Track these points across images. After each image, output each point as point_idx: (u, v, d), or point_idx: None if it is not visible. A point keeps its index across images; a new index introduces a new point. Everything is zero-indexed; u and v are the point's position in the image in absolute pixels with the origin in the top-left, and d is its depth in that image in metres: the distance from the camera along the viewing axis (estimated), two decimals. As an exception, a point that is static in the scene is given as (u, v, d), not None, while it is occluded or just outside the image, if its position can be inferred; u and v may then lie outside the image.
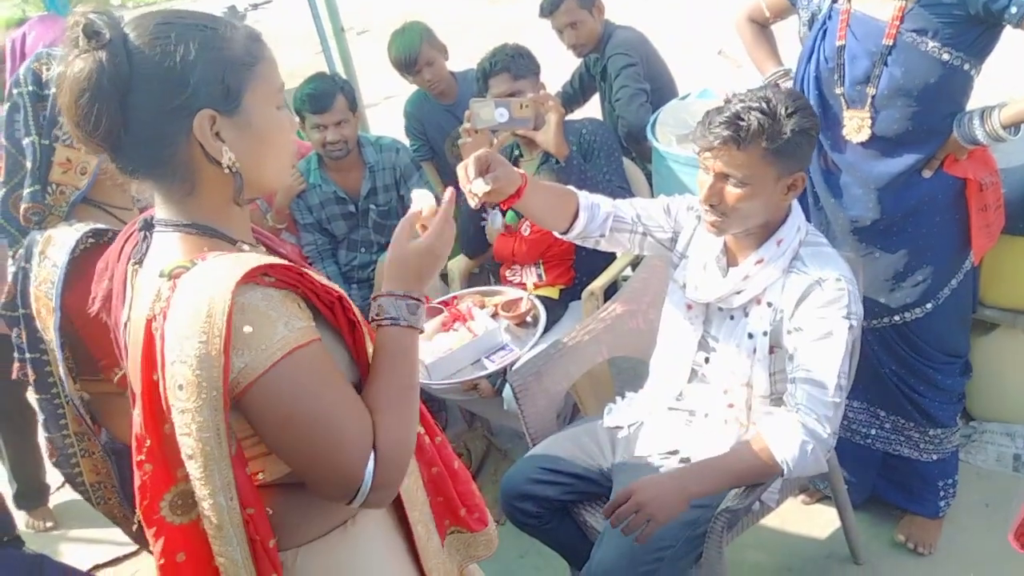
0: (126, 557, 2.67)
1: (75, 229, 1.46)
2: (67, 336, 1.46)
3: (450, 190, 1.16)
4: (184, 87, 0.91)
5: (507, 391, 2.17)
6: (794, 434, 1.47)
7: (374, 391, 1.01)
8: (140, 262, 1.02)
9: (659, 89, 2.94)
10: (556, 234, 1.74)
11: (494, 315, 2.23)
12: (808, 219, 1.96)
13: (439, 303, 2.22)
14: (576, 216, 1.68)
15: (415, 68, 2.98)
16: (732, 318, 1.62)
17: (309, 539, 1.05)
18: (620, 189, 2.35)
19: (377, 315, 1.04)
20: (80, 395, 1.53)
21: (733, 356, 1.62)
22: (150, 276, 0.97)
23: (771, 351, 1.58)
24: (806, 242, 1.57)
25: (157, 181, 0.97)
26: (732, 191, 1.48)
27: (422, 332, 1.08)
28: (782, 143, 1.44)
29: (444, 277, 2.84)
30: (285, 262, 0.96)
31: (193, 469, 0.94)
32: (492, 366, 1.79)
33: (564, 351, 1.98)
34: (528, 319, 1.97)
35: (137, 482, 0.98)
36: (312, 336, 0.94)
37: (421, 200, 1.15)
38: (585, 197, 1.71)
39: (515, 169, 1.53)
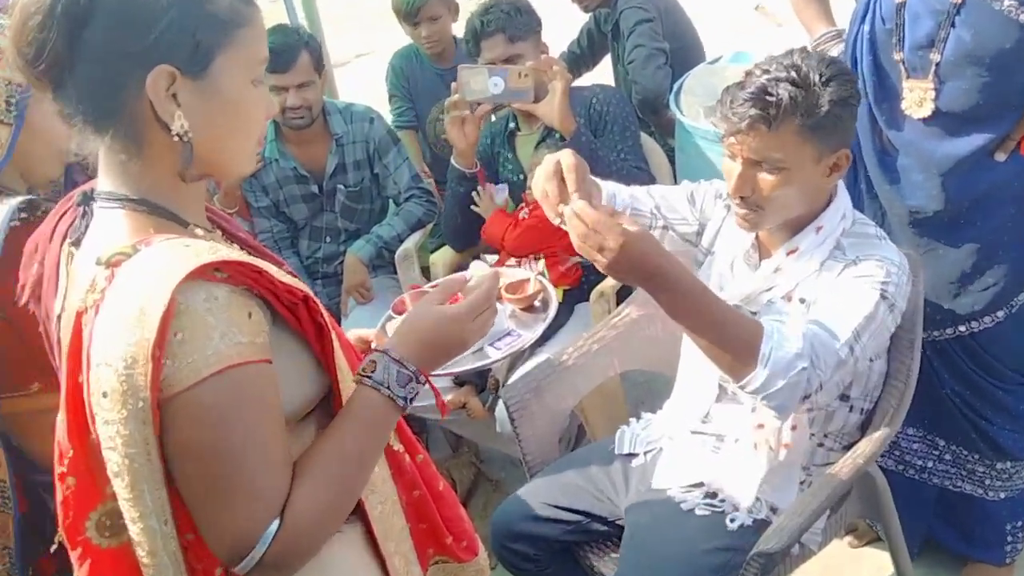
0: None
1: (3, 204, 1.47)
2: None
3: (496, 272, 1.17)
4: (147, 32, 0.92)
5: (500, 410, 2.19)
6: (796, 341, 1.43)
7: (314, 451, 1.02)
8: (77, 243, 1.03)
9: (682, 50, 2.96)
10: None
11: (497, 298, 2.25)
12: (862, 210, 1.99)
13: (431, 287, 2.24)
14: None
15: (415, 19, 3.01)
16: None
17: None
18: (637, 170, 2.37)
19: (363, 370, 1.06)
20: None
21: None
22: (87, 261, 0.98)
23: None
24: (850, 232, 1.59)
25: (99, 133, 0.98)
26: (766, 179, 1.50)
27: (403, 412, 1.08)
28: (819, 117, 1.46)
29: (426, 271, 2.86)
30: (243, 258, 0.97)
31: (120, 488, 0.95)
32: (497, 354, 1.79)
33: (569, 363, 2.00)
34: (536, 303, 1.99)
35: (59, 496, 1.00)
36: (252, 356, 0.94)
37: (477, 271, 1.16)
38: (605, 187, 1.73)
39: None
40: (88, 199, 1.04)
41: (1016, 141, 1.74)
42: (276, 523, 0.95)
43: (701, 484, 1.73)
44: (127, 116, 0.96)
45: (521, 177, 2.57)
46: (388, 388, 1.05)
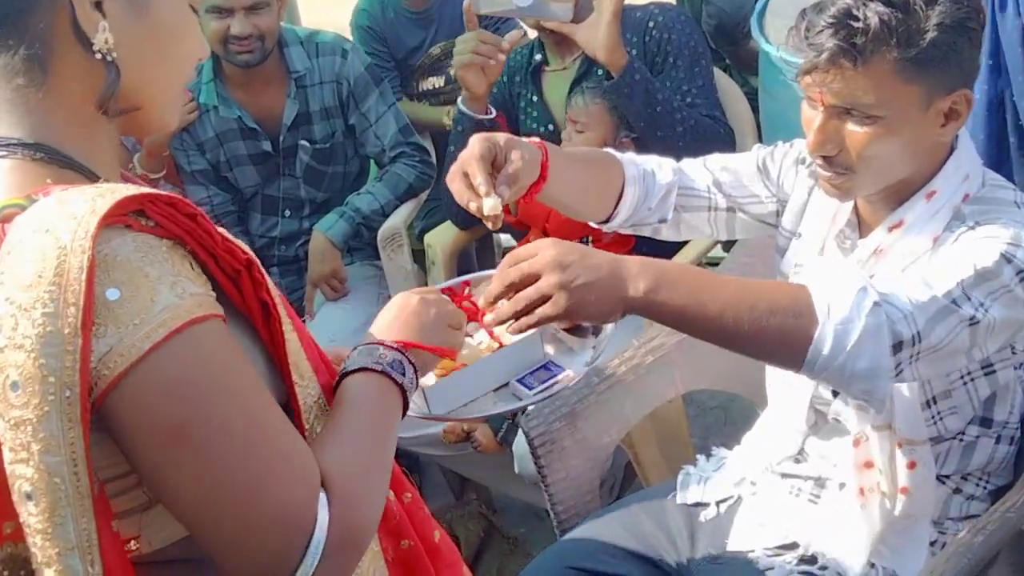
0: None
1: None
2: None
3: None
4: None
5: (520, 444, 2.19)
6: (852, 283, 1.42)
7: (323, 431, 1.12)
8: None
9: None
10: (594, 226, 1.77)
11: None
12: (1011, 174, 1.97)
13: (441, 291, 2.24)
14: (621, 194, 1.71)
15: None
16: None
17: None
18: (710, 120, 2.37)
19: (343, 370, 1.19)
20: None
21: None
22: None
23: None
24: (976, 198, 1.56)
25: None
26: (855, 132, 1.48)
27: (400, 389, 1.20)
28: (924, 47, 1.43)
29: (418, 256, 2.86)
30: (172, 195, 1.00)
31: (32, 517, 0.94)
32: (530, 396, 1.77)
33: (614, 380, 2.00)
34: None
35: None
36: (213, 310, 0.98)
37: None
38: (632, 164, 1.73)
39: (528, 142, 1.56)
40: None
41: None
42: (324, 497, 1.00)
43: (795, 545, 1.73)
44: (34, 24, 0.99)
45: (551, 127, 2.57)
46: (378, 363, 1.18)
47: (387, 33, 3.27)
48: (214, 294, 1.00)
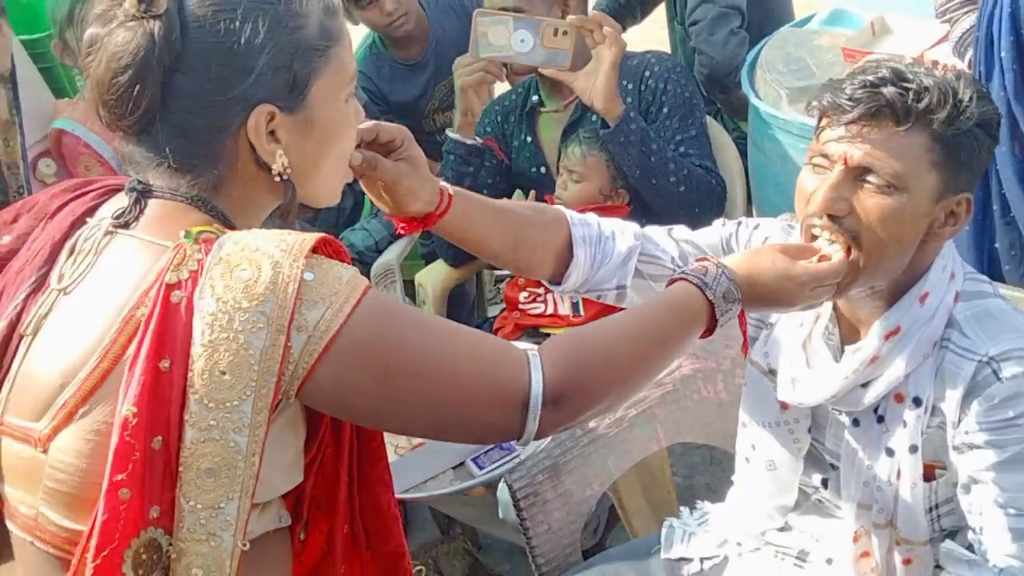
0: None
1: None
2: None
3: None
4: (245, 75, 1.10)
5: (503, 490, 2.18)
6: None
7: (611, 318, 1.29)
8: (126, 225, 1.17)
9: (762, 9, 2.95)
10: (547, 284, 1.69)
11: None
12: (989, 241, 1.98)
13: None
14: (569, 254, 1.62)
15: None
16: (857, 424, 1.60)
17: None
18: (702, 170, 2.37)
19: (692, 270, 1.33)
20: None
21: (864, 483, 1.61)
22: (143, 242, 1.14)
23: (927, 475, 1.57)
24: (964, 294, 1.54)
25: (180, 173, 1.15)
26: (872, 198, 1.43)
27: (709, 332, 1.35)
28: (961, 133, 1.42)
29: (410, 287, 2.87)
30: (332, 238, 1.14)
31: (207, 493, 1.05)
32: (480, 475, 1.81)
33: (596, 435, 1.99)
34: None
35: (101, 518, 1.04)
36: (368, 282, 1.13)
37: None
38: (583, 224, 1.64)
39: (429, 180, 1.47)
40: (146, 190, 1.18)
41: None
42: (535, 356, 1.17)
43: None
44: (217, 156, 1.14)
45: (542, 170, 2.57)
46: (712, 292, 1.31)
47: (386, 88, 3.28)
48: None
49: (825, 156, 1.46)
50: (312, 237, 1.09)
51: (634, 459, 2.05)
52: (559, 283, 1.66)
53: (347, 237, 2.82)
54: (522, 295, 2.54)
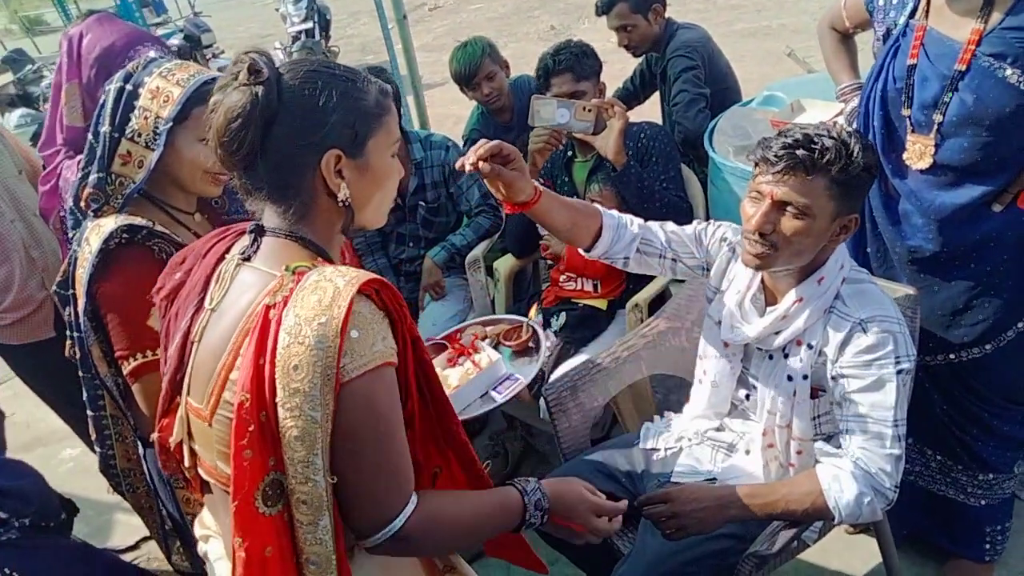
0: (140, 543, 2.78)
1: (115, 221, 1.52)
2: (97, 321, 1.53)
3: None
4: (321, 127, 1.05)
5: (541, 402, 2.17)
6: (851, 483, 1.43)
7: (454, 495, 1.17)
8: (248, 259, 1.14)
9: (722, 91, 2.88)
10: (579, 251, 1.72)
11: (496, 345, 2.23)
12: (865, 246, 1.90)
13: (442, 339, 2.25)
14: (599, 234, 1.67)
15: (474, 81, 2.98)
16: (771, 358, 1.58)
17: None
18: (677, 199, 2.32)
19: (522, 487, 1.21)
20: (115, 379, 1.58)
21: (772, 397, 1.59)
22: (259, 271, 1.10)
23: (813, 395, 1.53)
24: (849, 279, 1.51)
25: (276, 202, 1.10)
26: (788, 221, 1.41)
27: (519, 528, 1.21)
28: (850, 176, 1.38)
29: (490, 271, 2.85)
30: (389, 283, 1.06)
31: (298, 452, 1.00)
32: (500, 398, 1.80)
33: (601, 366, 1.97)
34: (530, 344, 1.99)
35: (233, 471, 1.02)
36: (393, 359, 1.04)
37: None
38: (610, 216, 1.68)
39: (531, 181, 1.54)
40: (261, 230, 1.13)
41: (1013, 195, 1.64)
42: (414, 501, 1.07)
43: (714, 480, 1.70)
44: (302, 187, 1.08)
45: (576, 198, 2.53)
46: (527, 497, 1.20)
47: (484, 131, 3.24)
48: (396, 347, 1.05)
49: (759, 192, 1.44)
50: (366, 276, 1.02)
51: (627, 383, 2.03)
52: (589, 251, 1.70)
53: (450, 238, 2.81)
54: (562, 277, 2.50)
